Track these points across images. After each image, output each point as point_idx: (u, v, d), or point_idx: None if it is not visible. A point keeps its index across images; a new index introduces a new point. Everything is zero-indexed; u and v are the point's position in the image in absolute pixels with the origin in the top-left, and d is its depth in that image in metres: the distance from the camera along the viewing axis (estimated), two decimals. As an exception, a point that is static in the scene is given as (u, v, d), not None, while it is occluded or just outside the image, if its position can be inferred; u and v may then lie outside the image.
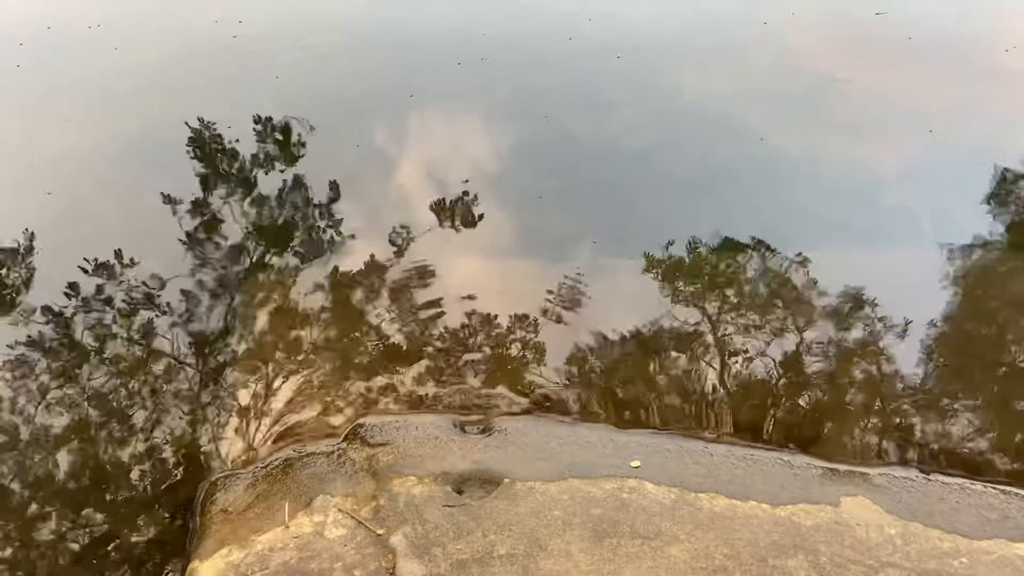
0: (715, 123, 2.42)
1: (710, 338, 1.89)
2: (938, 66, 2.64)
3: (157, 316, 1.96)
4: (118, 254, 2.09)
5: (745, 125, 2.41)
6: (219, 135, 2.42)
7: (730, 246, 2.12)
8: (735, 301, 1.99)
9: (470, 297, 1.97)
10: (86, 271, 2.07)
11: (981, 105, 2.53)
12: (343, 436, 1.69)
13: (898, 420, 1.71)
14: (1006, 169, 2.35)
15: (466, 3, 3.12)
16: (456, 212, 2.24)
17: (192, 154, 2.37)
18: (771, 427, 1.70)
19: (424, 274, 2.05)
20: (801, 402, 1.76)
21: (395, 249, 2.12)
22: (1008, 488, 1.52)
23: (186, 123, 2.44)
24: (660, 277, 2.06)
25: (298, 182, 2.31)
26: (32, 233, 2.17)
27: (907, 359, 1.82)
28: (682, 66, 2.68)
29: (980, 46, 2.75)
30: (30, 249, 2.13)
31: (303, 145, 2.40)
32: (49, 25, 2.98)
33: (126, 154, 2.34)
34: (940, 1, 2.98)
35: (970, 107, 2.51)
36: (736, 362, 1.84)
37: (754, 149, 2.34)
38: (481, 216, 2.23)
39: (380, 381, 1.81)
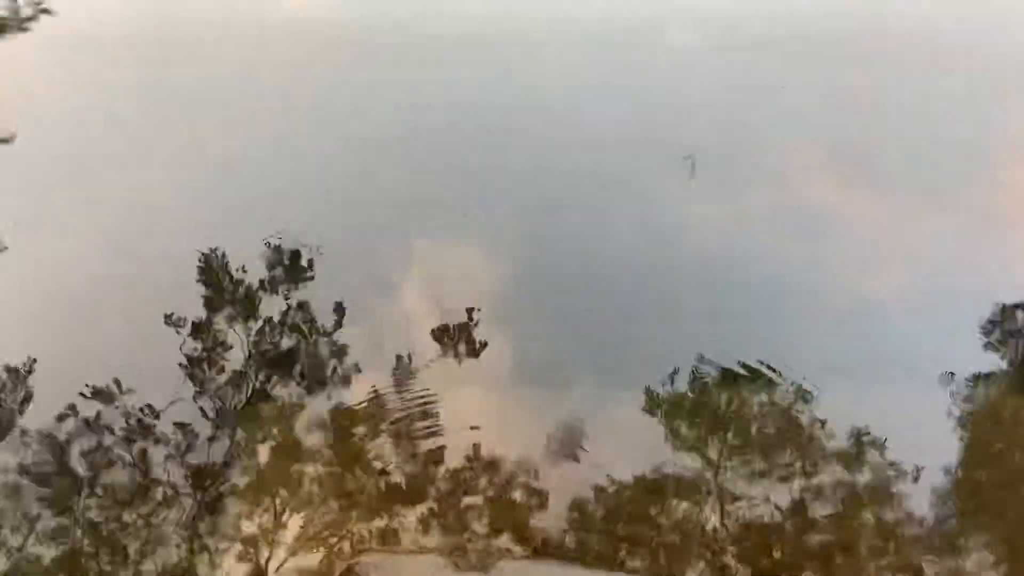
0: (713, 249, 2.43)
1: (713, 481, 1.88)
2: (934, 195, 2.68)
3: (152, 446, 1.94)
4: (117, 382, 2.05)
5: (744, 251, 2.42)
6: (220, 258, 2.42)
7: (729, 379, 2.10)
8: (737, 442, 1.97)
9: (472, 430, 1.95)
10: (84, 395, 2.04)
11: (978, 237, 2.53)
12: (339, 577, 1.66)
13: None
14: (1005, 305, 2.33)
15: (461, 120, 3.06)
16: (457, 339, 2.22)
17: (193, 278, 2.38)
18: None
19: (424, 407, 2.03)
20: (810, 547, 1.76)
21: (395, 380, 2.10)
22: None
23: (184, 248, 2.44)
24: (661, 413, 2.04)
25: (297, 307, 2.32)
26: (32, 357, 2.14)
27: (915, 502, 1.81)
28: (677, 186, 2.68)
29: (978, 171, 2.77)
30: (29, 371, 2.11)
31: (305, 269, 2.35)
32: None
33: (129, 276, 2.35)
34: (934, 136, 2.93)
35: (968, 239, 2.52)
36: (742, 508, 1.83)
37: (751, 277, 2.37)
38: (483, 344, 2.22)
39: (378, 522, 1.79)
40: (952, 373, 2.10)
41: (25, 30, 3.59)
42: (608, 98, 3.21)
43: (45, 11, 3.62)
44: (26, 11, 3.70)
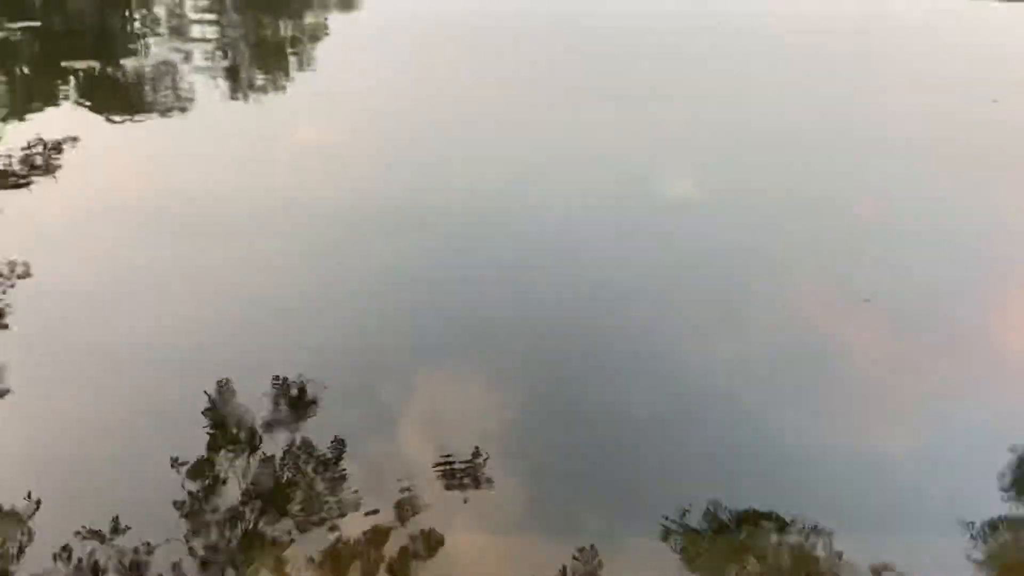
0: (716, 394, 2.44)
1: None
2: (943, 337, 2.70)
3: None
4: (115, 521, 2.02)
5: (755, 391, 2.44)
6: (224, 395, 2.41)
7: (736, 525, 2.07)
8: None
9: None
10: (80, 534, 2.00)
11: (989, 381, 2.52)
12: None
13: None
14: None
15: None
16: (460, 478, 2.20)
17: (196, 415, 2.38)
18: None
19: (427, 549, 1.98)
20: None
21: (397, 520, 2.06)
22: None
23: (187, 385, 2.44)
24: (676, 550, 2.01)
25: (298, 442, 2.31)
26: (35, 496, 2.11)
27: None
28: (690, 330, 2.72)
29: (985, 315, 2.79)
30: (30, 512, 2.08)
31: (310, 405, 2.41)
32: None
33: (130, 413, 2.37)
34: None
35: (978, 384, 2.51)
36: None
37: (764, 418, 2.37)
38: (488, 480, 2.20)
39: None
40: (971, 521, 2.04)
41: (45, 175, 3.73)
42: (622, 239, 3.28)
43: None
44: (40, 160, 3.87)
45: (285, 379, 2.45)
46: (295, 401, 2.39)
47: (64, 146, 4.04)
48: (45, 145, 4.04)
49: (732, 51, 6.17)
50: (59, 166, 3.86)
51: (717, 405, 2.40)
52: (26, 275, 2.96)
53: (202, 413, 2.35)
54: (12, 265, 3.01)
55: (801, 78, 5.51)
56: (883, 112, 4.79)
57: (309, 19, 7.36)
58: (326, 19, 7.41)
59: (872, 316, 2.82)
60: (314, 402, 2.39)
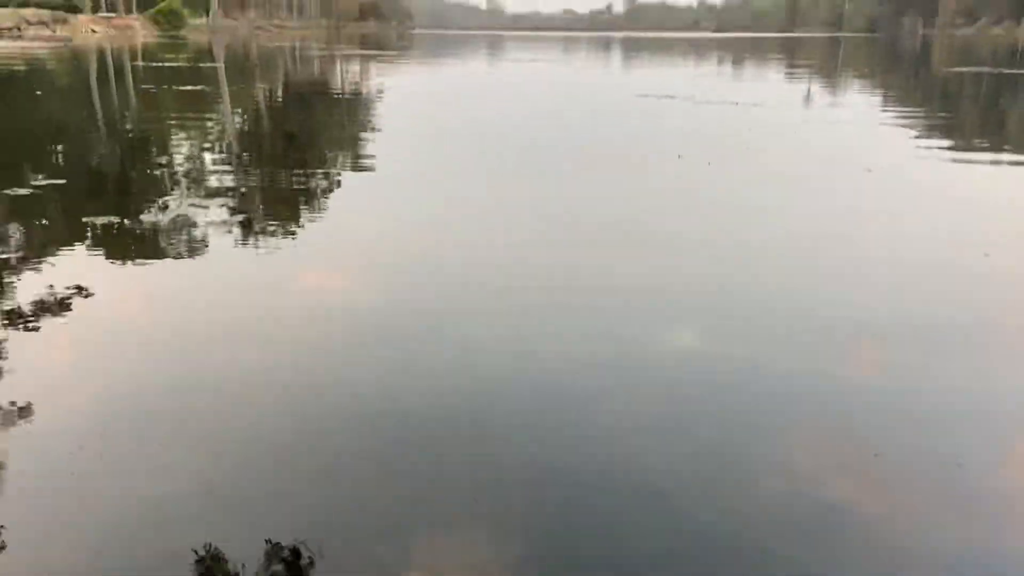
0: (728, 547, 2.42)
1: None
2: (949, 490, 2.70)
3: None
4: None
5: (760, 547, 2.42)
6: (215, 557, 2.43)
7: None
8: None
9: None
10: None
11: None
12: None
13: None
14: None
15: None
16: None
17: None
18: None
19: None
20: None
21: None
22: None
23: (178, 545, 2.44)
24: None
25: None
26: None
27: None
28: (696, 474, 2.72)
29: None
30: None
31: (304, 570, 2.42)
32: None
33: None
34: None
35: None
36: None
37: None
38: None
39: None
40: None
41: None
42: (626, 388, 3.27)
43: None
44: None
45: (268, 541, 2.38)
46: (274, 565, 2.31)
47: (75, 294, 4.14)
48: (56, 293, 4.14)
49: (718, 203, 6.42)
50: (69, 311, 3.94)
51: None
52: (27, 417, 2.96)
53: (191, 570, 2.27)
54: (12, 409, 3.01)
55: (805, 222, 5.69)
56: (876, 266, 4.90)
57: (322, 174, 7.71)
58: (339, 175, 7.77)
59: (882, 471, 2.77)
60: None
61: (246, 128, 11.68)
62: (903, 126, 12.01)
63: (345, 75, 24.34)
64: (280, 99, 16.62)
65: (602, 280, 4.57)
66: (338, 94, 18.35)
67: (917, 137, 10.82)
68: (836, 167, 8.31)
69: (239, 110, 13.90)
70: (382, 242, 5.42)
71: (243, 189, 6.97)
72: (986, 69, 27.26)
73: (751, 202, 6.60)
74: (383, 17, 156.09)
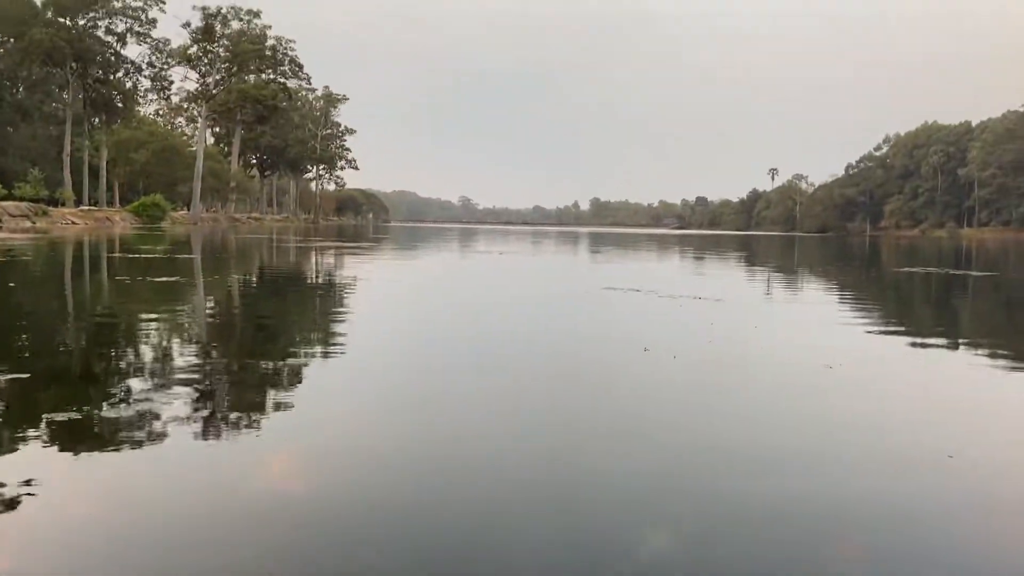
0: None
1: None
2: None
3: None
4: None
5: None
6: None
7: None
8: None
9: None
10: None
11: None
12: None
13: None
14: None
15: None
16: None
17: None
18: None
19: None
20: None
21: None
22: None
23: None
24: None
25: None
26: None
27: None
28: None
29: None
30: None
31: None
32: None
33: None
34: None
35: None
36: None
37: None
38: None
39: None
40: None
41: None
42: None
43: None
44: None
45: None
46: None
47: (25, 489, 3.97)
48: (3, 492, 3.96)
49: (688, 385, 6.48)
50: (17, 507, 3.76)
51: None
52: None
53: None
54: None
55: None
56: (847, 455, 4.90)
57: (291, 365, 7.70)
58: (308, 362, 7.77)
59: None
60: None
61: (218, 318, 11.78)
62: (859, 323, 12.46)
63: (320, 265, 25.01)
64: (254, 289, 16.92)
65: (563, 477, 4.49)
66: (311, 284, 18.75)
67: (873, 333, 11.20)
68: (796, 364, 8.51)
69: (212, 300, 14.08)
70: (341, 436, 5.34)
71: (209, 380, 6.92)
72: (933, 269, 28.82)
73: (715, 399, 6.67)
74: (360, 210, 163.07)
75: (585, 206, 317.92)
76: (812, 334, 11.10)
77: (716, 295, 15.37)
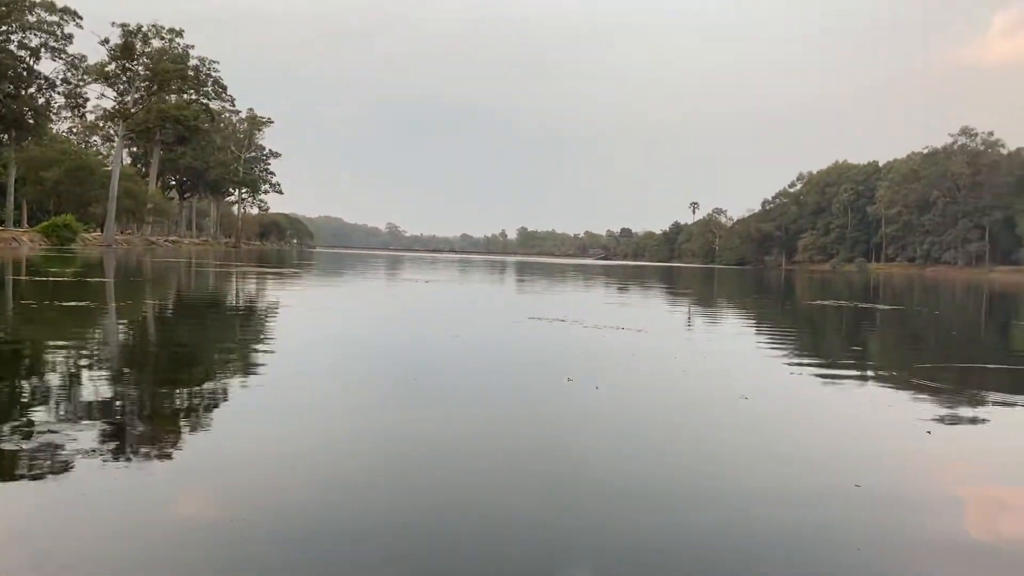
0: None
1: None
2: None
3: None
4: None
5: None
6: None
7: None
8: None
9: None
10: None
11: None
12: None
13: None
14: None
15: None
16: None
17: None
18: None
19: None
20: None
21: None
22: None
23: None
24: None
25: None
26: None
27: None
28: None
29: None
30: None
31: None
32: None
33: None
34: None
35: None
36: None
37: None
38: None
39: None
40: None
41: None
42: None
43: None
44: None
45: None
46: None
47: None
48: None
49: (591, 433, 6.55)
50: None
51: None
52: None
53: None
54: None
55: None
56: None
57: (206, 392, 7.46)
58: (223, 394, 7.54)
59: None
60: None
61: (130, 345, 11.33)
62: (775, 354, 12.87)
63: (240, 291, 24.39)
64: (170, 314, 16.36)
65: (473, 512, 4.47)
66: (231, 310, 18.26)
67: (787, 365, 11.58)
68: (713, 395, 8.71)
69: (124, 326, 13.55)
70: (254, 467, 5.19)
71: (119, 409, 6.63)
72: (843, 302, 30.07)
73: (632, 430, 6.76)
74: (284, 235, 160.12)
75: (513, 235, 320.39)
76: (729, 365, 11.40)
77: (638, 326, 15.64)
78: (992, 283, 75.66)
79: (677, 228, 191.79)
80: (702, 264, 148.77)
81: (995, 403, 8.74)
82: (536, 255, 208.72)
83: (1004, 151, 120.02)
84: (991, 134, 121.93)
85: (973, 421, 7.78)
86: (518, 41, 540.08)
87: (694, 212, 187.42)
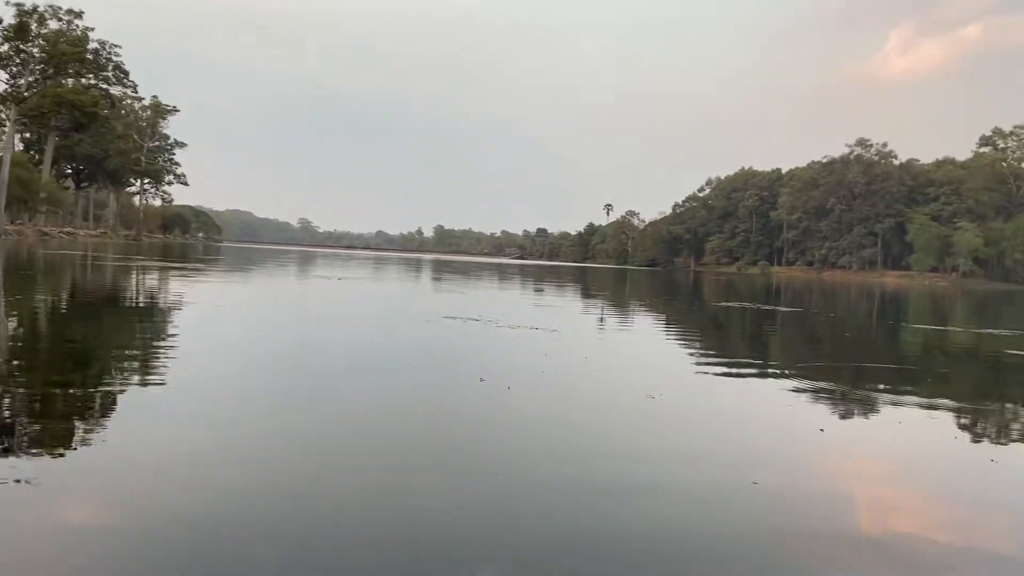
0: None
1: None
2: None
3: None
4: None
5: None
6: None
7: None
8: None
9: None
10: None
11: None
12: None
13: None
14: None
15: None
16: None
17: None
18: None
19: None
20: None
21: None
22: None
23: None
24: None
25: None
26: None
27: None
28: None
29: None
30: None
31: None
32: None
33: None
34: None
35: None
36: None
37: None
38: None
39: None
40: None
41: None
42: None
43: None
44: None
45: None
46: None
47: None
48: None
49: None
50: None
51: None
52: None
53: None
54: None
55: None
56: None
57: (101, 392, 7.12)
58: (121, 393, 7.21)
59: None
60: None
61: (18, 343, 10.69)
62: (682, 354, 13.24)
63: (140, 286, 23.39)
64: (64, 310, 15.55)
65: (382, 511, 4.42)
66: (129, 305, 17.49)
67: (693, 364, 11.92)
68: (622, 394, 8.88)
69: (13, 321, 12.78)
70: (152, 471, 4.98)
71: (7, 411, 6.25)
72: (747, 304, 31.20)
73: (542, 429, 6.82)
74: (189, 229, 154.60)
75: (429, 233, 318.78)
76: (639, 365, 11.66)
77: (552, 326, 15.81)
78: (884, 286, 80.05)
79: (592, 229, 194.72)
80: (615, 265, 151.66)
81: (884, 402, 9.23)
82: (453, 253, 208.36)
83: (896, 162, 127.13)
84: (885, 145, 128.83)
85: (864, 418, 8.20)
86: (436, 38, 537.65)
87: (608, 214, 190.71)
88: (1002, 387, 11.75)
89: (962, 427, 8.07)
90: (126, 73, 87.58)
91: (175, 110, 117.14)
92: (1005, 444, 7.46)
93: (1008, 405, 9.90)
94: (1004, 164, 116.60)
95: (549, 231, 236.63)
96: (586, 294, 34.32)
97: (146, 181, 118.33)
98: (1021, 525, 5.02)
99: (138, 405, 6.91)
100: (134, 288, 22.79)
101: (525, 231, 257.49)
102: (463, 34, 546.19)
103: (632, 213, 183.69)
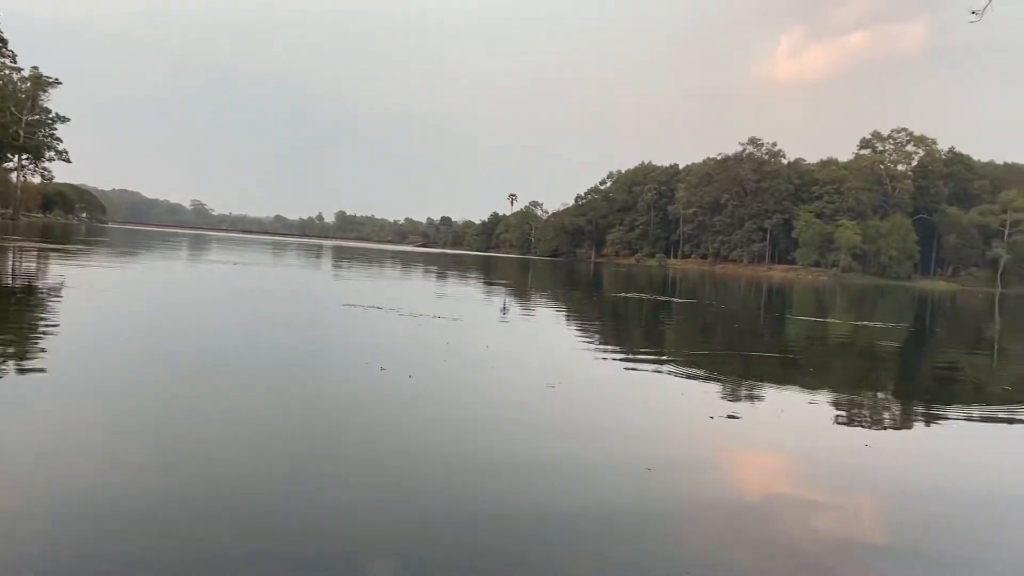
0: None
1: None
2: None
3: None
4: None
5: None
6: None
7: None
8: None
9: None
10: None
11: None
12: None
13: None
14: None
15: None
16: None
17: None
18: None
19: None
20: None
21: None
22: None
23: None
24: None
25: None
26: None
27: None
28: None
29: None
30: None
31: None
32: None
33: None
34: None
35: None
36: None
37: None
38: None
39: None
40: None
41: None
42: None
43: None
44: None
45: None
46: None
47: None
48: None
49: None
50: None
51: None
52: None
53: None
54: None
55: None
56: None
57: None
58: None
59: None
60: None
61: None
62: (581, 343, 13.50)
63: (14, 268, 21.94)
64: (-74, 294, 14.41)
65: (278, 500, 4.35)
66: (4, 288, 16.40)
67: (591, 353, 12.19)
68: (522, 383, 9.00)
69: None
70: (24, 462, 4.71)
71: None
72: (645, 295, 32.11)
73: (442, 418, 6.84)
74: (72, 208, 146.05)
75: (330, 219, 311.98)
76: (540, 354, 11.82)
77: (454, 315, 15.81)
78: (771, 280, 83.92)
79: (496, 219, 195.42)
80: (519, 254, 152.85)
81: (770, 389, 9.71)
82: (355, 240, 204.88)
83: (785, 161, 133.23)
84: (775, 144, 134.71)
85: (751, 405, 8.60)
86: (345, 26, 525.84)
87: (512, 204, 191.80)
88: (875, 376, 12.57)
89: (838, 415, 8.59)
90: (4, 41, 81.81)
91: (57, 82, 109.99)
92: (878, 430, 7.98)
93: (879, 394, 10.60)
94: (882, 166, 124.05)
95: (453, 220, 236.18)
96: (489, 283, 34.49)
97: (24, 156, 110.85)
98: (890, 507, 5.40)
99: (15, 392, 6.50)
100: (12, 271, 21.35)
101: (429, 219, 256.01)
102: (370, 19, 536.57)
103: (536, 204, 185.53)
